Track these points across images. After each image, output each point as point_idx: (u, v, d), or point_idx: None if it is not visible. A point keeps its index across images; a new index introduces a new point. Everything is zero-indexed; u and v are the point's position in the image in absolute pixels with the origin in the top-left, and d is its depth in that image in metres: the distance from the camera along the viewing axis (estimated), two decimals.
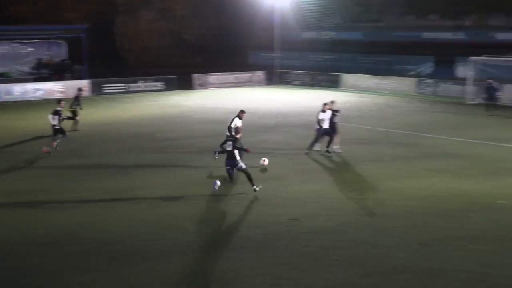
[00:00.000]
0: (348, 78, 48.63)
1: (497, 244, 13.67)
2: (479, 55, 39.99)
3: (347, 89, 47.43)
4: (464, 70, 44.59)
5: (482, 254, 13.09)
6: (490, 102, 34.41)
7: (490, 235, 14.27)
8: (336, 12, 64.53)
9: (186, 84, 47.49)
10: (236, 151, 17.57)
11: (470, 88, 39.62)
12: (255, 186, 17.66)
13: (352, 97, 42.91)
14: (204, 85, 48.69)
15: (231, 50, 64.07)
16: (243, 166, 17.60)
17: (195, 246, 13.72)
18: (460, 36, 55.33)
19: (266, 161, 20.95)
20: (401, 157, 22.84)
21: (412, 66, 50.60)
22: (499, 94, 34.65)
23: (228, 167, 17.79)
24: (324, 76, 50.53)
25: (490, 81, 34.70)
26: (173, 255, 13.16)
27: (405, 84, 45.27)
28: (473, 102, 38.99)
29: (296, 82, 51.45)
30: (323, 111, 23.19)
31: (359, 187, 18.57)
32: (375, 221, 15.34)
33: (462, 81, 42.13)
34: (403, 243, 13.74)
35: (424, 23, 64.74)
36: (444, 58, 51.40)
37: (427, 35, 57.89)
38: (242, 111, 21.52)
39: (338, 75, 49.31)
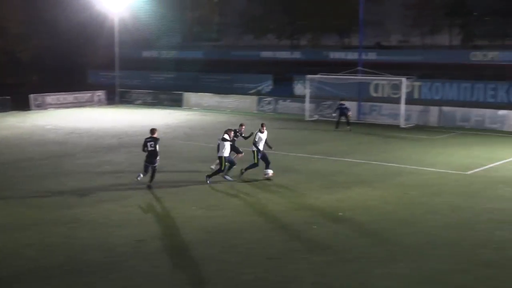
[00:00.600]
0: (190, 96, 48.95)
1: (338, 255, 14.32)
2: (315, 73, 41.76)
3: (190, 107, 47.72)
4: (301, 88, 46.42)
5: (324, 264, 13.65)
6: (342, 120, 35.86)
7: (332, 246, 14.91)
8: (176, 31, 64.88)
9: (22, 105, 45.50)
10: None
11: (308, 105, 41.26)
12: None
13: (195, 115, 43.25)
14: (41, 106, 46.93)
15: (70, 69, 62.34)
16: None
17: (36, 274, 13.17)
18: (296, 55, 57.63)
19: (270, 173, 22.17)
20: (245, 173, 23.27)
21: (252, 84, 51.85)
22: (350, 113, 36.18)
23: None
24: (166, 95, 50.48)
25: (342, 102, 36.31)
26: (13, 284, 12.55)
27: (246, 102, 46.31)
28: (311, 119, 40.65)
29: (138, 102, 51.01)
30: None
31: (205, 205, 18.71)
32: (223, 238, 15.53)
33: (300, 98, 43.78)
34: (251, 259, 14.02)
35: (262, 43, 66.83)
36: (282, 77, 53.30)
37: (265, 54, 59.73)
38: (262, 125, 22.79)
39: (180, 94, 49.47)
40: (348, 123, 35.35)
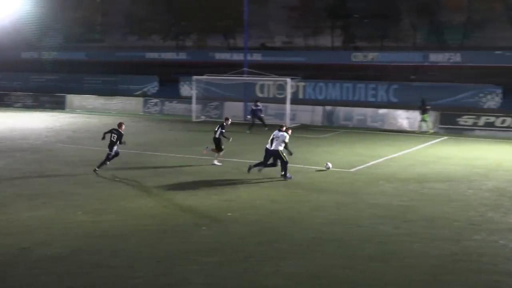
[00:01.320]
0: (73, 99, 47.76)
1: (228, 255, 14.38)
2: (201, 74, 41.81)
3: (73, 110, 46.57)
4: (188, 89, 46.37)
5: (214, 265, 13.67)
6: (257, 122, 36.01)
7: (221, 247, 14.96)
8: (58, 32, 63.04)
9: None
10: None
11: (194, 107, 41.23)
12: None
13: (79, 118, 42.23)
14: None
15: None
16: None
17: None
18: (182, 56, 57.43)
19: (330, 165, 24.30)
20: (132, 176, 23.00)
21: (137, 86, 51.27)
22: (262, 115, 36.43)
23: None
24: (48, 97, 49.02)
25: (258, 103, 36.51)
26: None
27: (132, 103, 45.71)
28: (198, 120, 40.66)
29: (18, 105, 49.25)
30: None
31: (91, 210, 18.29)
32: (110, 243, 15.23)
33: (187, 99, 43.70)
34: (140, 262, 13.83)
35: (147, 44, 66.10)
36: (168, 78, 52.99)
37: (151, 55, 59.14)
38: (281, 126, 23.86)
39: (63, 96, 48.16)
40: (264, 124, 35.60)
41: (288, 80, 39.13)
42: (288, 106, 38.24)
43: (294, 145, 30.59)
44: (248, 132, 35.06)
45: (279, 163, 22.82)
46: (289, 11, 61.47)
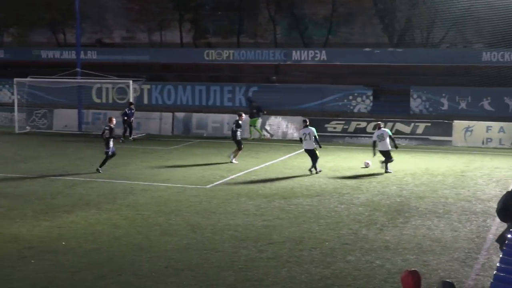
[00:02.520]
0: None
1: None
2: (24, 76, 40.53)
3: None
4: (8, 93, 44.82)
5: None
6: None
7: (54, 282, 14.48)
8: None
9: None
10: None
11: (17, 115, 39.87)
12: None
13: None
14: None
15: None
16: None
17: None
18: (0, 54, 55.36)
19: (370, 163, 28.20)
20: None
21: None
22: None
23: None
24: None
25: (132, 106, 36.10)
26: None
27: None
28: (22, 131, 39.35)
29: None
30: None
31: None
32: None
33: (7, 107, 42.23)
34: None
35: None
36: None
37: None
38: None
39: None
40: (127, 134, 35.37)
41: (131, 82, 38.81)
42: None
43: (139, 159, 30.44)
44: (122, 140, 34.93)
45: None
46: (128, 2, 60.89)
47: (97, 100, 44.73)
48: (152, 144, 35.24)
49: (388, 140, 27.34)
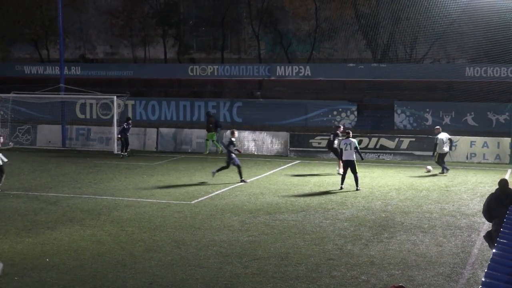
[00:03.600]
0: None
1: None
2: (7, 92, 40.36)
3: None
4: None
5: None
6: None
7: None
8: None
9: None
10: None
11: (1, 131, 39.63)
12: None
13: None
14: None
15: None
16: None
17: None
18: None
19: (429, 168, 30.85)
20: None
21: None
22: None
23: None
24: None
25: (130, 121, 35.96)
26: None
27: None
28: (5, 147, 39.05)
29: None
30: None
31: None
32: None
33: None
34: None
35: None
36: None
37: None
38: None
39: None
40: (126, 147, 35.85)
41: (115, 98, 38.70)
42: (115, 128, 37.74)
43: (124, 174, 30.31)
44: (123, 155, 35.12)
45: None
46: (112, 17, 60.79)
47: (81, 116, 44.55)
48: (137, 159, 35.11)
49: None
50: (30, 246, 18.58)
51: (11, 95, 40.26)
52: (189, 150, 38.33)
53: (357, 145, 26.92)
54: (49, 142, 39.97)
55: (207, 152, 37.70)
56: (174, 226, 20.91)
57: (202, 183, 28.34)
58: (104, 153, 36.51)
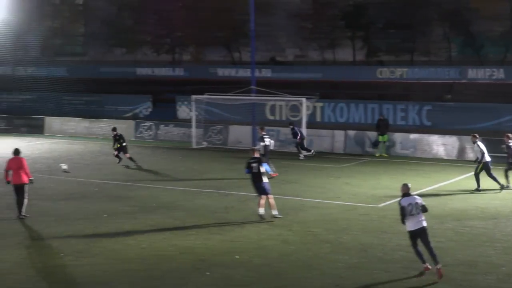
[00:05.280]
0: (52, 121, 47.86)
1: None
2: (201, 93, 41.73)
3: (53, 134, 46.61)
4: (186, 110, 46.40)
5: None
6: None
7: None
8: (34, 44, 63.30)
9: None
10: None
11: (195, 131, 41.15)
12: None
13: (60, 144, 42.30)
14: None
15: None
16: None
17: None
18: (179, 72, 57.45)
19: None
20: (119, 212, 22.90)
21: (127, 107, 51.33)
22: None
23: None
24: (23, 120, 49.13)
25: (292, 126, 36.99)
26: None
27: (121, 127, 45.41)
28: (199, 147, 40.59)
29: None
30: None
31: (71, 251, 18.18)
32: None
33: (185, 123, 43.64)
34: None
35: (137, 58, 66.23)
36: (163, 97, 53.01)
37: (142, 70, 59.17)
38: None
39: (41, 119, 48.28)
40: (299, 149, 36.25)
41: (304, 100, 39.07)
42: (304, 130, 38.07)
43: (311, 175, 30.58)
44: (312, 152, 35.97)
45: None
46: (301, 20, 61.50)
47: (271, 117, 45.38)
48: (324, 161, 35.25)
49: None
50: (220, 243, 19.17)
51: (204, 96, 41.65)
52: (377, 154, 37.91)
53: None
54: (240, 142, 40.98)
55: (380, 154, 37.32)
56: (360, 228, 20.84)
57: (388, 187, 27.98)
58: (292, 155, 36.96)
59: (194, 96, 41.82)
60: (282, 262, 17.36)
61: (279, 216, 21.94)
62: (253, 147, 24.25)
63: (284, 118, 44.70)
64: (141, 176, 30.24)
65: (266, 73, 51.91)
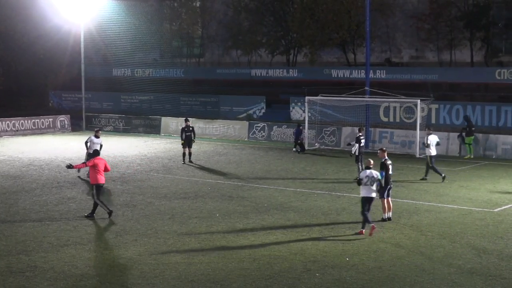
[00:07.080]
0: (169, 122, 48.94)
1: None
2: (315, 95, 41.77)
3: (169, 134, 47.65)
4: (299, 111, 46.54)
5: None
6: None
7: None
8: (153, 46, 65.00)
9: None
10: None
11: (307, 132, 41.25)
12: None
13: (175, 144, 43.12)
14: None
15: (27, 90, 62.37)
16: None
17: None
18: (293, 73, 57.69)
19: None
20: (233, 212, 23.20)
21: (242, 108, 51.96)
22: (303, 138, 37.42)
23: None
24: (141, 120, 50.43)
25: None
26: None
27: (235, 128, 46.26)
28: (311, 148, 40.64)
29: (108, 128, 50.88)
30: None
31: (185, 249, 18.55)
32: None
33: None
34: None
35: (252, 59, 66.93)
36: (276, 98, 53.40)
37: (257, 72, 59.74)
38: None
39: (158, 119, 49.46)
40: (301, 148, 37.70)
41: (418, 101, 38.51)
42: (418, 132, 37.56)
43: (433, 178, 30.07)
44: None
45: None
46: (418, 21, 60.61)
47: (384, 119, 44.97)
48: (438, 164, 34.52)
49: None
50: (332, 244, 19.15)
51: (318, 97, 41.68)
52: (493, 157, 36.87)
53: None
54: (349, 144, 40.75)
55: (469, 156, 36.42)
56: (475, 233, 20.38)
57: (506, 191, 27.22)
58: (406, 157, 36.49)
59: (307, 97, 41.89)
60: (394, 265, 17.19)
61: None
62: (383, 148, 23.89)
63: (398, 120, 44.21)
64: (254, 177, 30.53)
65: (381, 74, 51.47)
